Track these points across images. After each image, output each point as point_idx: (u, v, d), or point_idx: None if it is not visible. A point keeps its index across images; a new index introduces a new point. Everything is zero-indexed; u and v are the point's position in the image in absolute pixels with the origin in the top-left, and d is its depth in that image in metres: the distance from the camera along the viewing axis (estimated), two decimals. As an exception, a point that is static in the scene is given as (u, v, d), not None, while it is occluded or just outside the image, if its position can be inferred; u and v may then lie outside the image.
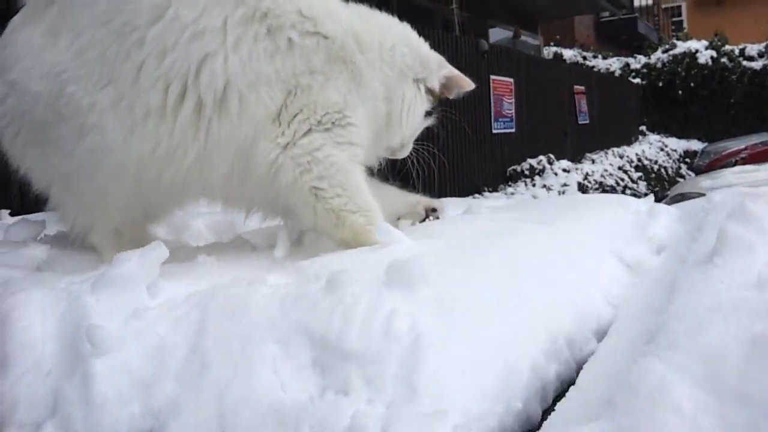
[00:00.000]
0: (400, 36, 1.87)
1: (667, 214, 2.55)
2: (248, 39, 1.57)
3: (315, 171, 1.61)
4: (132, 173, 1.62)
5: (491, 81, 8.96)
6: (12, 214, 2.70)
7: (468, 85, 2.00)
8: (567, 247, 1.76)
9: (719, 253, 1.35)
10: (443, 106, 2.08)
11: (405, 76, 1.84)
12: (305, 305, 1.14)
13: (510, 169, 9.36)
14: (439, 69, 1.93)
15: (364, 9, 1.89)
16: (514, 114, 9.59)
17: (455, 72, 1.97)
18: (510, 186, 8.82)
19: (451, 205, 2.77)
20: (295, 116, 1.62)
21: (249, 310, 1.14)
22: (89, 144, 1.57)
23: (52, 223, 1.97)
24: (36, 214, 2.31)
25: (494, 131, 9.09)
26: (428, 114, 1.95)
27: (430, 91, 1.92)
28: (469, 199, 7.53)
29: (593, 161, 11.17)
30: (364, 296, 1.13)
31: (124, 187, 1.67)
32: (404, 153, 1.98)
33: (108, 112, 1.55)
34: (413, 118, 1.87)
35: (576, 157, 11.05)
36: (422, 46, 1.94)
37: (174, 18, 1.52)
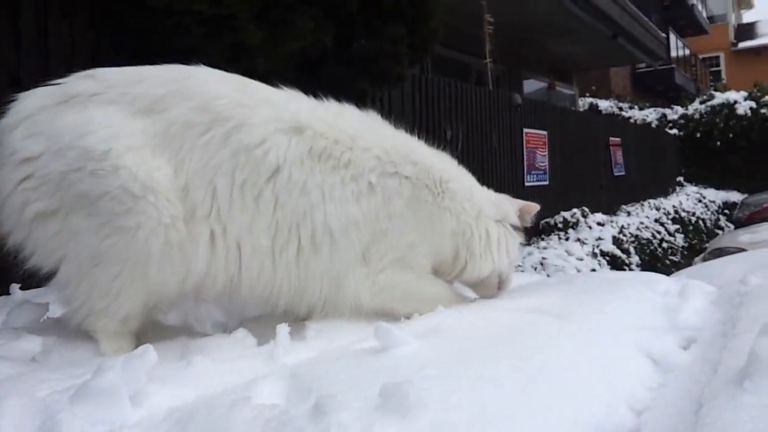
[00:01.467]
0: (472, 187, 2.13)
1: (699, 294, 2.40)
2: (337, 185, 1.81)
3: (389, 297, 1.90)
4: (198, 281, 1.73)
5: (524, 134, 8.92)
6: None
7: (535, 207, 2.23)
8: (589, 347, 1.65)
9: (750, 377, 1.23)
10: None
11: (484, 217, 2.07)
12: (289, 434, 1.05)
13: (543, 222, 9.23)
14: (511, 206, 2.17)
15: (445, 156, 2.14)
16: (547, 166, 9.51)
17: (522, 203, 2.21)
18: (543, 239, 8.67)
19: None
20: (374, 257, 1.87)
21: (229, 438, 1.06)
22: (171, 251, 1.64)
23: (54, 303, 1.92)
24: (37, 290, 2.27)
25: (527, 184, 9.01)
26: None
27: (515, 228, 2.15)
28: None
29: (629, 214, 10.96)
30: (352, 426, 1.04)
31: (176, 287, 1.72)
32: (507, 286, 2.14)
33: (207, 244, 1.69)
34: (505, 254, 2.08)
35: (611, 210, 10.87)
36: (490, 193, 2.19)
37: (288, 179, 1.75)
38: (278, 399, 1.26)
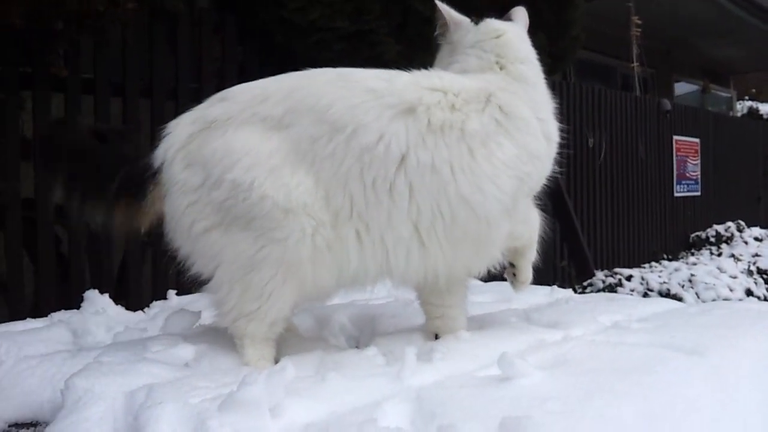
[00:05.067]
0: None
1: None
2: (466, 154, 1.81)
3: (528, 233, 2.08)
4: (353, 275, 1.87)
5: (674, 142, 8.50)
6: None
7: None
8: (723, 388, 1.59)
9: None
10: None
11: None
12: (411, 460, 1.12)
13: (693, 235, 8.75)
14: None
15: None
16: (699, 176, 9.00)
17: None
18: (692, 254, 8.20)
19: (604, 303, 2.62)
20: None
21: (355, 459, 1.14)
22: (320, 254, 1.80)
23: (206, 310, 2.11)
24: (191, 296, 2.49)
25: (676, 194, 8.59)
26: None
27: None
28: (645, 270, 7.09)
29: (792, 229, 10.09)
30: (470, 458, 1.10)
31: (333, 282, 1.88)
32: None
33: (355, 242, 1.82)
34: None
35: (771, 224, 10.07)
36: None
37: (416, 163, 1.78)
38: (403, 422, 1.34)
